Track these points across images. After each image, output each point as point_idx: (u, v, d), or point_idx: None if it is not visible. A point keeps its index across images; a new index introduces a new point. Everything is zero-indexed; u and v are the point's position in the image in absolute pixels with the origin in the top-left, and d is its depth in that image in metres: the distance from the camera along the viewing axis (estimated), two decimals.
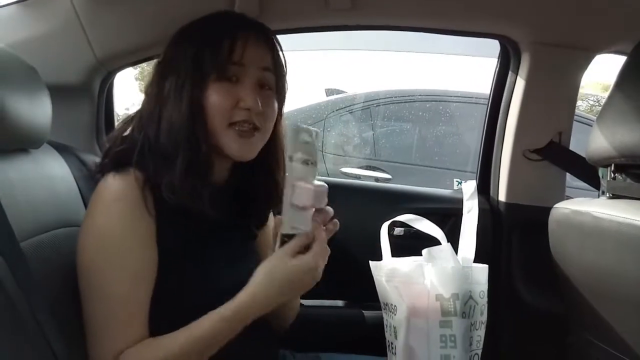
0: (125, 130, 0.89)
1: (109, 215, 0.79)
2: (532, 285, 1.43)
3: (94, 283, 0.77)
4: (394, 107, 3.22)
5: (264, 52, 0.88)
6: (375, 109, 3.20)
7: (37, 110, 0.93)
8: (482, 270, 1.00)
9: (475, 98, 2.97)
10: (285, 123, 0.93)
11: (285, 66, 0.93)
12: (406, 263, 1.01)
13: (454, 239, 1.23)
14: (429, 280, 0.94)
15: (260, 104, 0.84)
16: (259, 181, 0.94)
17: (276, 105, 0.91)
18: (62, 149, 1.10)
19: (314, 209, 0.77)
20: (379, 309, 1.17)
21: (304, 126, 0.76)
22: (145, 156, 0.83)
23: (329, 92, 3.73)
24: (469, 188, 1.14)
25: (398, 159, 3.07)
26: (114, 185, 0.80)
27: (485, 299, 0.98)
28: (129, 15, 1.17)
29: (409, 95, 3.22)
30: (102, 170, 0.85)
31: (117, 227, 0.78)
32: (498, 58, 1.46)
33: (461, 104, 3.11)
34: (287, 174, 0.76)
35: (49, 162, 1.02)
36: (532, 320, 1.39)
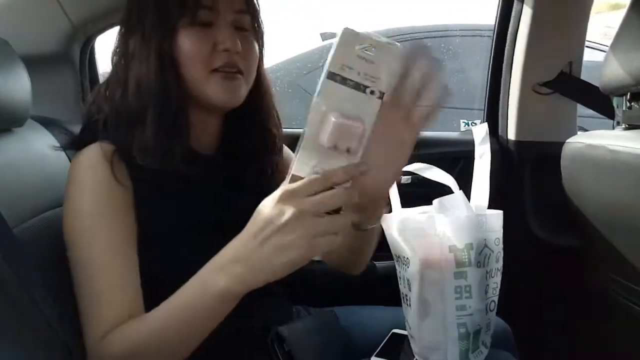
0: (100, 96, 0.84)
1: (80, 191, 0.75)
2: (546, 222, 1.40)
3: (75, 260, 0.74)
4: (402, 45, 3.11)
5: None
6: None
7: (14, 86, 0.88)
8: (496, 217, 0.96)
9: (479, 30, 2.84)
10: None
11: (259, 4, 0.86)
12: (417, 215, 0.97)
13: (464, 184, 1.19)
14: (442, 231, 0.90)
15: (239, 44, 0.78)
16: (252, 136, 0.88)
17: (256, 46, 0.84)
18: (48, 123, 1.05)
19: (347, 152, 0.54)
20: (391, 259, 1.16)
21: (360, 32, 0.52)
22: (114, 124, 0.78)
23: (325, 36, 3.59)
24: (480, 132, 1.08)
25: None
26: (82, 160, 0.77)
27: (501, 246, 0.95)
28: None
29: (408, 33, 3.09)
30: (73, 146, 0.82)
31: (88, 201, 0.74)
32: None
33: (465, 39, 2.97)
34: (317, 94, 0.53)
35: (36, 139, 0.98)
36: (547, 257, 1.37)
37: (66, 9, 1.12)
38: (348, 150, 0.54)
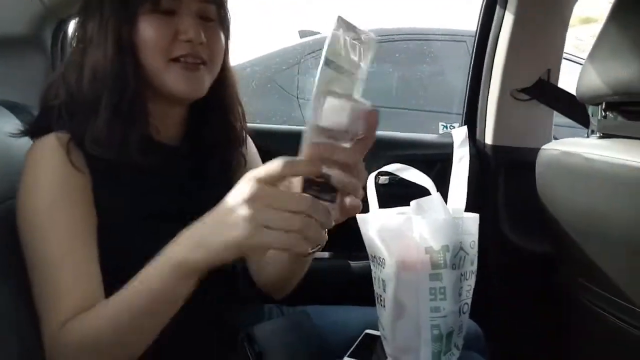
0: (57, 83, 0.80)
1: (36, 180, 0.72)
2: (520, 227, 1.42)
3: (31, 250, 0.71)
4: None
5: None
6: None
7: None
8: (473, 220, 0.96)
9: (460, 35, 2.87)
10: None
11: None
12: (395, 216, 0.97)
13: (441, 186, 1.19)
14: (419, 233, 0.90)
15: (203, 35, 0.76)
16: (214, 128, 0.86)
17: (222, 37, 0.82)
18: (15, 108, 1.01)
19: (350, 138, 0.55)
20: (366, 259, 1.15)
21: (355, 24, 0.54)
22: (69, 111, 0.76)
23: (303, 34, 3.57)
24: (459, 135, 1.09)
25: (376, 102, 2.97)
26: (38, 148, 0.74)
27: (476, 249, 0.95)
28: None
29: (387, 35, 3.09)
30: (30, 133, 0.79)
31: (46, 189, 0.71)
32: None
33: (445, 43, 3.00)
34: (316, 82, 0.53)
35: (1, 126, 0.93)
36: (520, 262, 1.39)
37: None
38: (346, 132, 0.54)
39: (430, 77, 3.01)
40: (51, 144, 0.73)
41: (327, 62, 0.53)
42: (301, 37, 3.44)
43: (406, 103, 2.97)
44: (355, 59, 0.55)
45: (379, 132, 1.69)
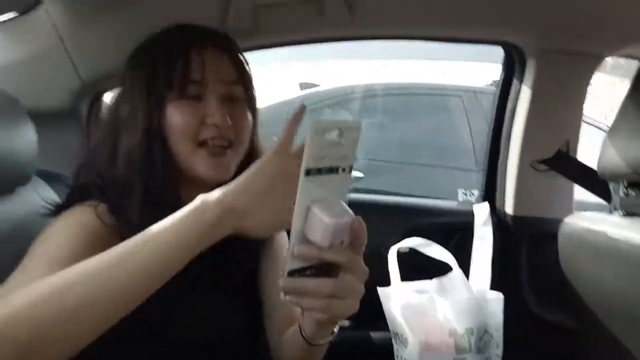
0: (84, 162, 0.84)
1: (58, 221, 0.73)
2: (543, 300, 1.39)
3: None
4: (372, 100, 3.12)
5: (226, 65, 0.81)
6: (352, 103, 3.09)
7: (21, 145, 0.88)
8: (497, 301, 0.96)
9: (462, 91, 2.89)
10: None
11: (251, 74, 0.86)
12: (417, 294, 0.97)
13: (461, 256, 1.19)
14: (442, 314, 0.89)
15: (229, 117, 0.78)
16: None
17: (249, 115, 0.84)
18: (51, 179, 1.05)
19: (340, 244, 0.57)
20: (387, 329, 1.13)
21: (327, 120, 0.54)
22: (102, 191, 0.77)
23: (303, 86, 3.62)
24: (481, 212, 1.09)
25: (373, 156, 2.93)
26: (72, 212, 0.74)
27: (501, 331, 0.94)
28: (113, 34, 1.10)
29: (408, 88, 3.13)
30: (61, 209, 0.78)
31: (62, 225, 0.71)
32: (503, 65, 1.40)
33: (447, 97, 3.01)
34: (299, 193, 0.54)
35: (37, 197, 0.96)
36: (544, 335, 1.35)
37: (78, 66, 1.13)
38: (341, 243, 0.57)
39: (427, 132, 3.01)
40: (83, 207, 0.74)
41: (307, 172, 0.53)
42: (302, 89, 3.49)
43: (403, 157, 2.96)
44: (340, 152, 0.55)
45: (398, 199, 1.70)
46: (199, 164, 0.77)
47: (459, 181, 1.73)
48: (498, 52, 1.39)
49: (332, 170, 0.55)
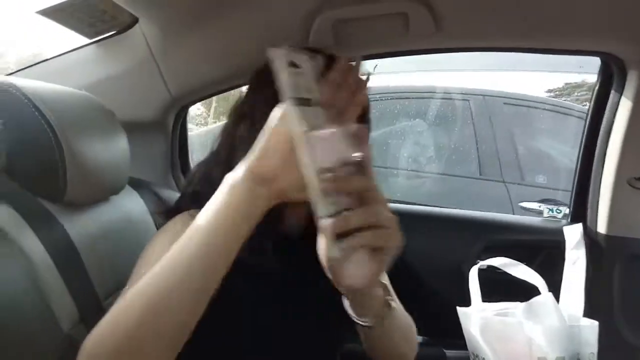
0: (198, 171, 0.86)
1: (161, 235, 0.75)
2: (637, 325, 1.28)
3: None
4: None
5: None
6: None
7: (116, 157, 0.93)
8: (591, 329, 0.88)
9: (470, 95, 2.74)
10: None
11: (370, 108, 0.84)
12: (502, 317, 0.92)
13: (547, 276, 1.12)
14: (530, 340, 0.84)
15: None
16: None
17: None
18: (139, 186, 1.10)
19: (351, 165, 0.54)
20: (462, 348, 1.09)
21: (290, 48, 0.55)
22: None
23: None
24: (574, 234, 1.01)
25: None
26: (173, 219, 0.78)
27: None
28: (201, 50, 1.15)
29: (407, 92, 2.97)
30: (168, 214, 0.81)
31: (163, 244, 0.72)
32: (598, 75, 1.31)
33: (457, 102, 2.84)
34: (296, 125, 0.53)
35: (128, 205, 1.02)
36: None
37: (167, 81, 1.19)
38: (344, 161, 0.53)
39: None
40: (186, 217, 0.76)
41: (294, 101, 0.52)
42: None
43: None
44: (307, 84, 0.54)
45: (480, 213, 1.63)
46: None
47: None
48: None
49: (306, 101, 0.54)
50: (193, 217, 0.75)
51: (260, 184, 0.57)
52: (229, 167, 0.78)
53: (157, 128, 1.28)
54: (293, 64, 0.54)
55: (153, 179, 1.24)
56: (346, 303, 0.73)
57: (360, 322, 0.73)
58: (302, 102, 0.54)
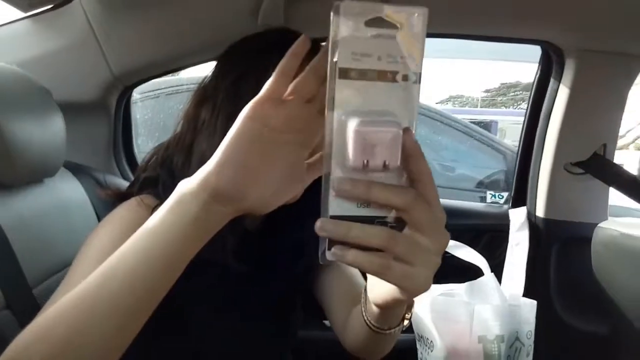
0: (156, 155, 0.81)
1: (107, 223, 0.70)
2: (573, 306, 1.35)
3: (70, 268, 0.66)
4: None
5: None
6: None
7: (51, 137, 0.88)
8: (530, 307, 0.92)
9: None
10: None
11: None
12: (446, 297, 0.94)
13: (490, 259, 1.16)
14: (472, 319, 0.87)
15: None
16: (299, 224, 0.76)
17: None
18: (78, 170, 1.05)
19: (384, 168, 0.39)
20: (410, 331, 1.11)
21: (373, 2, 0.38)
22: (168, 187, 0.75)
23: None
24: (518, 217, 1.05)
25: None
26: (122, 205, 0.73)
27: (532, 339, 0.91)
28: (146, 28, 1.10)
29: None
30: (123, 198, 0.76)
31: (110, 232, 0.67)
32: (539, 64, 1.36)
33: None
34: (333, 105, 0.39)
35: (64, 188, 0.97)
36: (574, 344, 1.31)
37: (109, 59, 1.14)
38: (385, 166, 0.39)
39: None
40: (136, 204, 0.72)
41: (343, 74, 0.38)
42: None
43: None
44: (393, 50, 0.38)
45: None
46: None
47: None
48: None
49: (384, 75, 0.38)
50: (142, 203, 0.72)
51: (220, 203, 0.47)
52: (190, 153, 0.75)
53: (99, 109, 1.23)
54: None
55: (94, 163, 1.19)
56: (370, 309, 0.62)
57: (377, 329, 0.63)
58: (362, 74, 0.38)
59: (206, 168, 0.48)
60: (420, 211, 0.40)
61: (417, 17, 0.38)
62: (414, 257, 0.40)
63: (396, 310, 0.60)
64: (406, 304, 0.61)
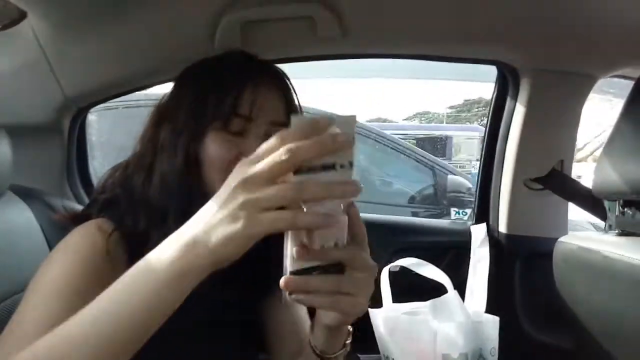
0: (112, 177, 0.81)
1: (63, 250, 0.69)
2: (538, 320, 1.36)
3: (23, 298, 0.65)
4: None
5: (276, 104, 0.78)
6: None
7: None
8: (493, 324, 0.92)
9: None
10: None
11: (301, 112, 0.83)
12: (409, 316, 0.93)
13: (454, 276, 1.17)
14: (435, 337, 0.86)
15: None
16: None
17: None
18: (26, 194, 1.01)
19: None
20: (377, 352, 1.09)
21: (316, 114, 0.55)
22: (127, 209, 0.74)
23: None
24: (479, 234, 1.06)
25: None
26: (77, 230, 0.72)
27: (496, 356, 0.90)
28: (99, 49, 1.08)
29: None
30: (79, 220, 0.75)
31: (66, 259, 0.68)
32: (495, 83, 1.39)
33: None
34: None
35: (9, 213, 0.93)
36: (539, 358, 1.32)
37: (61, 81, 1.10)
38: (336, 244, 0.53)
39: None
40: (93, 227, 0.71)
41: (297, 170, 0.47)
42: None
43: None
44: (335, 157, 0.48)
45: (390, 217, 1.67)
46: None
47: None
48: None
49: (328, 167, 0.48)
50: (100, 229, 0.71)
51: (211, 266, 0.50)
52: (151, 172, 0.75)
53: (51, 132, 1.19)
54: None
55: (47, 187, 1.14)
56: (314, 336, 0.70)
57: (323, 354, 0.70)
58: (310, 170, 0.48)
59: (208, 237, 0.50)
60: (358, 258, 0.54)
61: (349, 122, 0.49)
62: (356, 290, 0.54)
63: (340, 335, 0.68)
64: (347, 329, 0.70)
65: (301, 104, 0.84)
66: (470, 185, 3.18)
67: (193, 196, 0.72)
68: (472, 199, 3.24)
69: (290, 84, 0.83)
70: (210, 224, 0.50)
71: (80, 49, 1.07)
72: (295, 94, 0.83)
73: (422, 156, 3.29)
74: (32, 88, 1.10)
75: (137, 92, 1.24)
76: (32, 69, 1.08)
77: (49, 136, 1.19)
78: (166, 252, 0.51)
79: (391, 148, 3.20)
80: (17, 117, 1.05)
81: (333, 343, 0.68)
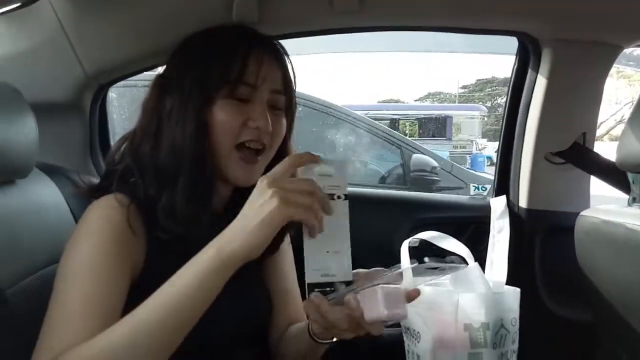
0: (126, 146, 0.84)
1: (89, 230, 0.73)
2: (558, 294, 1.36)
3: (55, 287, 0.69)
4: None
5: (276, 74, 0.84)
6: None
7: (22, 138, 0.86)
8: (514, 295, 0.92)
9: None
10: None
11: (295, 85, 0.88)
12: (431, 287, 0.94)
13: (475, 250, 1.16)
14: (457, 308, 0.86)
15: (270, 124, 0.80)
16: None
17: (285, 123, 0.86)
18: (53, 171, 1.03)
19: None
20: (397, 326, 1.10)
21: (321, 156, 0.66)
22: (139, 178, 0.78)
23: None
24: (498, 205, 1.06)
25: None
26: (98, 205, 0.75)
27: (517, 326, 0.91)
28: (118, 26, 1.08)
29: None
30: (97, 193, 0.80)
31: (95, 237, 0.72)
32: (516, 55, 1.37)
33: None
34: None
35: (38, 190, 0.95)
36: (559, 331, 1.32)
37: (81, 58, 1.11)
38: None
39: None
40: (111, 203, 0.75)
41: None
42: None
43: None
44: (332, 182, 0.67)
45: (409, 193, 1.67)
46: (231, 167, 0.80)
47: None
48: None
49: (329, 197, 0.65)
50: (118, 203, 0.74)
51: (249, 252, 0.62)
52: (158, 140, 0.78)
53: (73, 109, 1.20)
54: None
55: (70, 164, 1.16)
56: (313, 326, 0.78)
57: (320, 341, 0.78)
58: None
59: (245, 243, 0.62)
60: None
61: (345, 164, 0.69)
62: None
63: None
64: None
65: (298, 94, 0.90)
66: (436, 164, 3.21)
67: (203, 160, 0.77)
68: (437, 179, 3.28)
69: (288, 57, 0.88)
70: (248, 215, 0.62)
71: (99, 26, 1.07)
72: (291, 64, 0.88)
73: (391, 135, 3.49)
74: (52, 66, 1.12)
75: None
76: (52, 46, 1.09)
77: (71, 114, 1.21)
78: (210, 249, 0.63)
79: (363, 130, 3.35)
80: (39, 95, 1.06)
81: (329, 335, 0.74)
